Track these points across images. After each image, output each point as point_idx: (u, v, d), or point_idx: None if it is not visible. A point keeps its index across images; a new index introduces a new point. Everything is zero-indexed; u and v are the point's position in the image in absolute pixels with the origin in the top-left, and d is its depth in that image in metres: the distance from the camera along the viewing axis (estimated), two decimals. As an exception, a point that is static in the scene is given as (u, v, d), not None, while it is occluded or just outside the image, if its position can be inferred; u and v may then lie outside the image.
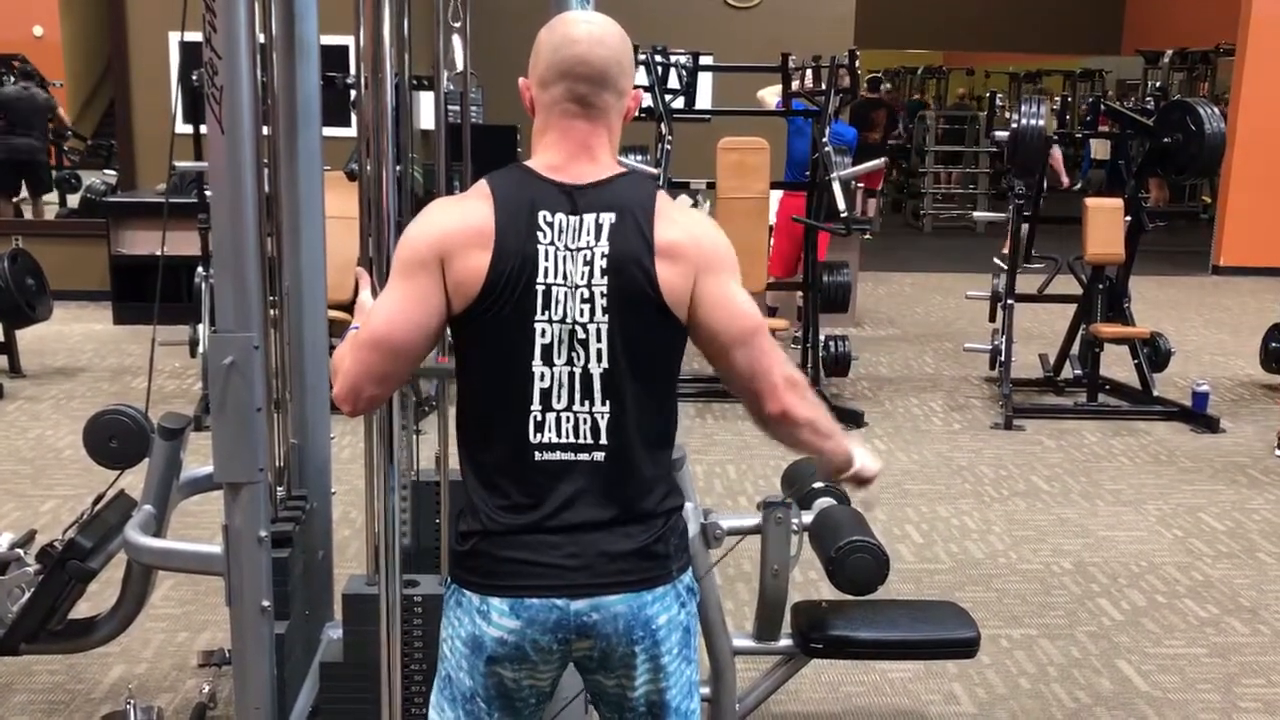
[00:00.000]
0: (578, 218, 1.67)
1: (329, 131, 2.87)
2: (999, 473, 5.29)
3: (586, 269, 1.66)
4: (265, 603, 2.30)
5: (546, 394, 1.67)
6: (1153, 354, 6.41)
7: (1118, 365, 6.60)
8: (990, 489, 5.08)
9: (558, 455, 1.67)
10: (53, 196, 10.61)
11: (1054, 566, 4.24)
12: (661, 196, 1.73)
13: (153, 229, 7.65)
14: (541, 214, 1.67)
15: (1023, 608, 3.89)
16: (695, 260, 1.70)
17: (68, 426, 5.57)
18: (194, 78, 5.69)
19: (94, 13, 9.50)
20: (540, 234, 1.66)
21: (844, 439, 1.87)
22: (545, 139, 1.72)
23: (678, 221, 1.71)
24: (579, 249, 1.66)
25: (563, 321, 1.66)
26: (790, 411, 1.75)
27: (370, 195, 2.30)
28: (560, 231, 1.66)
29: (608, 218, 1.67)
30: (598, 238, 1.66)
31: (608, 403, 1.68)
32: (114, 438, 2.74)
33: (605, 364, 1.67)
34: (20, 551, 2.91)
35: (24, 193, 10.09)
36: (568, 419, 1.67)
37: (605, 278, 1.66)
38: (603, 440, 1.68)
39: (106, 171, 9.41)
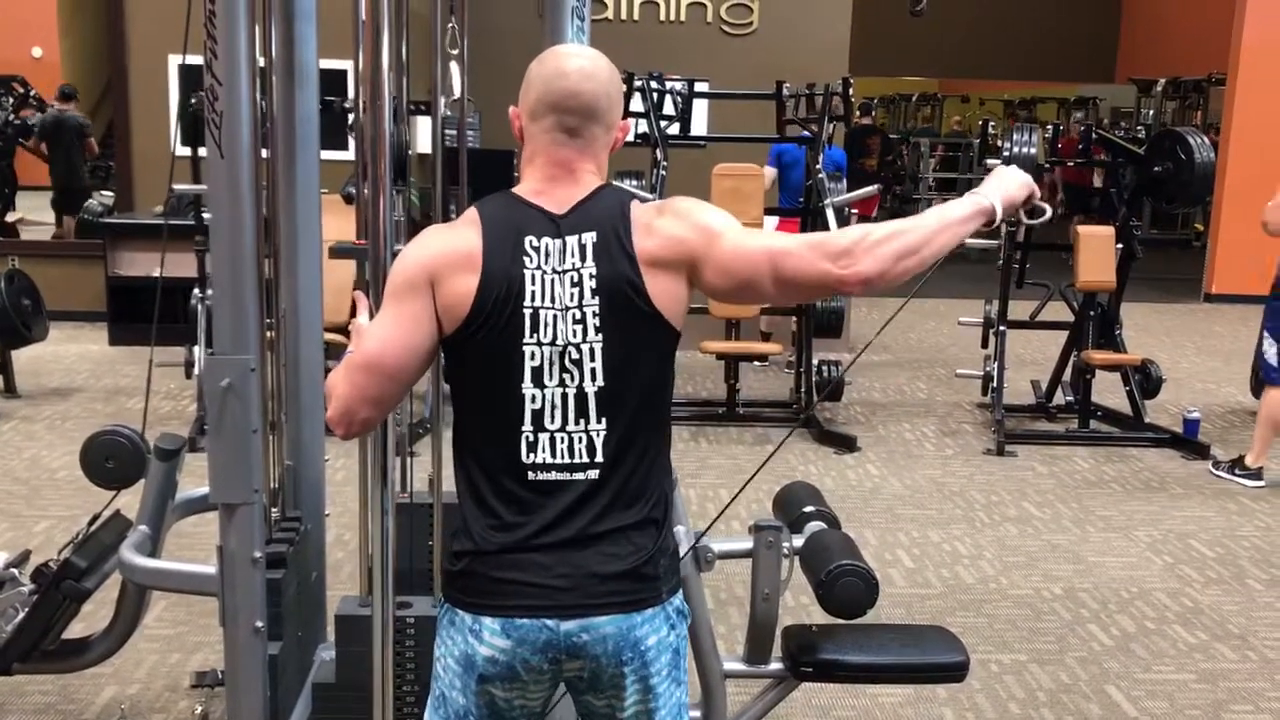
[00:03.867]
0: (561, 240, 1.70)
1: (327, 155, 2.90)
2: (990, 498, 5.32)
3: (576, 290, 1.69)
4: (259, 624, 2.32)
5: (538, 415, 1.69)
6: (1144, 381, 6.44)
7: (1109, 392, 6.63)
8: (982, 514, 5.10)
9: (551, 475, 1.69)
10: (48, 216, 10.65)
11: (1044, 592, 4.26)
12: (634, 206, 1.74)
13: (149, 250, 7.68)
14: (528, 239, 1.70)
15: (1013, 633, 3.90)
16: (681, 259, 1.71)
17: (62, 447, 5.57)
18: (192, 101, 5.73)
19: (93, 34, 9.56)
20: (527, 258, 1.69)
21: (953, 213, 1.74)
22: (532, 166, 1.76)
23: (654, 228, 1.72)
24: (565, 271, 1.69)
25: (553, 344, 1.69)
26: (866, 275, 1.68)
27: (367, 218, 2.33)
28: (546, 255, 1.70)
29: (589, 237, 1.70)
30: (583, 258, 1.69)
31: (604, 420, 1.70)
32: (111, 458, 2.76)
33: (600, 382, 1.70)
34: (15, 571, 2.92)
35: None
36: (562, 439, 1.70)
37: (596, 298, 1.69)
38: (598, 459, 1.70)
39: (104, 193, 9.43)
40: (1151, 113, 15.27)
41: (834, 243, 1.70)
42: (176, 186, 5.86)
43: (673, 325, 1.72)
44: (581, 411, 1.70)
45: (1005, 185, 1.82)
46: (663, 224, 1.73)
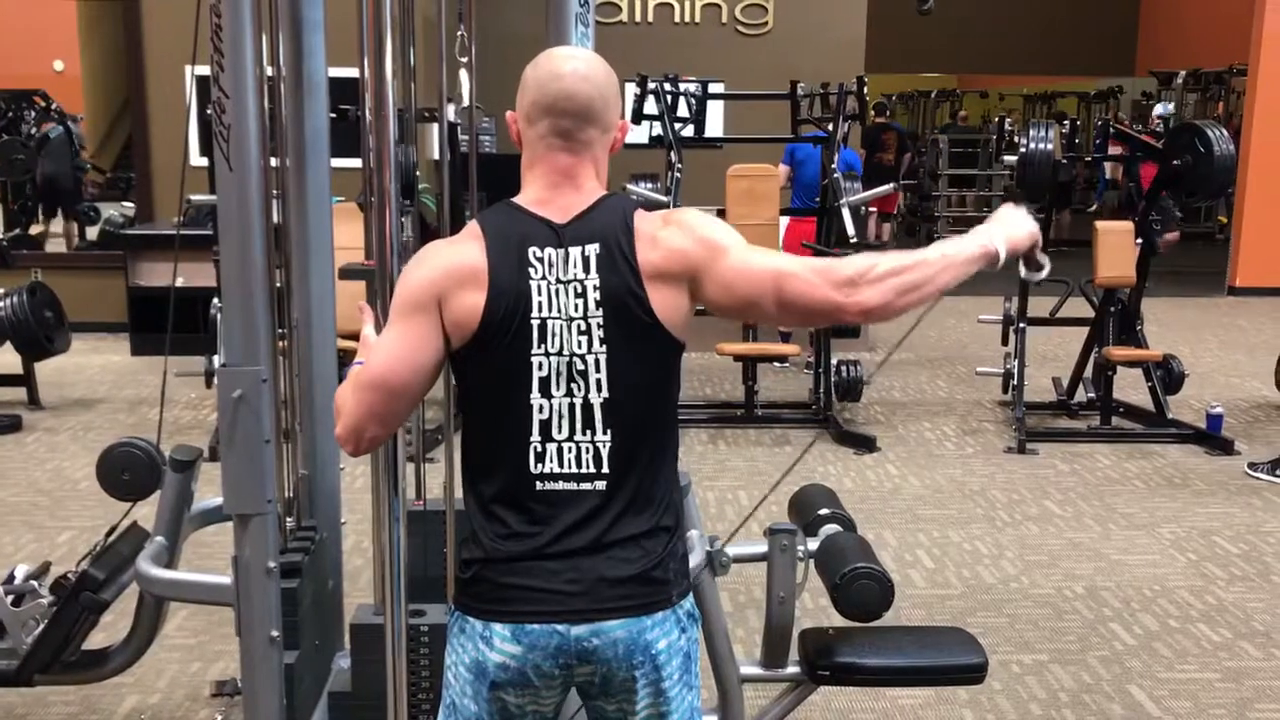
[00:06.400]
0: (564, 251, 1.70)
1: (343, 163, 2.91)
2: (1011, 497, 5.28)
3: (580, 301, 1.69)
4: (274, 633, 2.32)
5: (546, 425, 1.69)
6: (1166, 376, 6.39)
7: (1131, 388, 6.58)
8: (1003, 513, 5.07)
9: (559, 485, 1.69)
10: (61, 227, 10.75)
11: (1066, 591, 4.23)
12: (638, 217, 1.73)
13: (170, 261, 7.72)
14: (531, 250, 1.70)
15: (1034, 633, 3.88)
16: (684, 272, 1.71)
17: (85, 458, 5.61)
18: (208, 111, 5.75)
19: (113, 47, 9.63)
20: (531, 270, 1.69)
21: (958, 252, 1.74)
22: (532, 173, 1.76)
23: (658, 240, 1.71)
24: (569, 281, 1.69)
25: (559, 354, 1.69)
26: (867, 306, 1.69)
27: (375, 226, 2.33)
28: (550, 266, 1.69)
29: (592, 249, 1.70)
30: (586, 270, 1.69)
31: (609, 431, 1.70)
32: (126, 470, 2.78)
33: (605, 393, 1.70)
34: (35, 583, 2.94)
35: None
36: (569, 449, 1.70)
37: (600, 310, 1.69)
38: (604, 469, 1.70)
39: (124, 204, 9.51)
40: (1172, 105, 15.15)
41: (840, 270, 1.70)
42: (193, 197, 5.90)
43: (675, 336, 1.72)
44: (588, 422, 1.69)
45: (1011, 231, 1.81)
46: (667, 235, 1.72)
